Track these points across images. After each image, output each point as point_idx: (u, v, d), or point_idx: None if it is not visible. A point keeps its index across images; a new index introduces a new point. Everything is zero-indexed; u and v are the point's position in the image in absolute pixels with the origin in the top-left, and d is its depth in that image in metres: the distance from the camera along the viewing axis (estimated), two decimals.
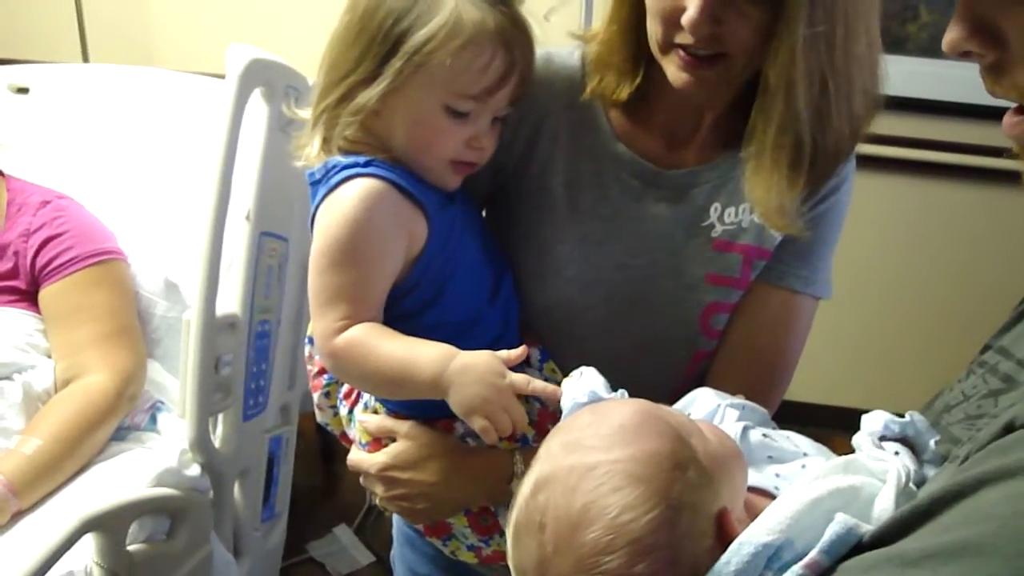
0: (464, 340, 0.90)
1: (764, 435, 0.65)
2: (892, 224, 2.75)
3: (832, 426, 2.62)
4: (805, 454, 0.64)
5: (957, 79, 2.46)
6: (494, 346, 0.87)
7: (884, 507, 0.53)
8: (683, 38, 0.83)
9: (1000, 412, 0.61)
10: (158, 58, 2.74)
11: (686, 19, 0.81)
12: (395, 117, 0.89)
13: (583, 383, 0.77)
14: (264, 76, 1.47)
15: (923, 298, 2.85)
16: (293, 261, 1.66)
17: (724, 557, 0.50)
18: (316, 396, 1.06)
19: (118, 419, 1.58)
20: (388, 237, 0.87)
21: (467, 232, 0.94)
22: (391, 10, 0.85)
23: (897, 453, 0.63)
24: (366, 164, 0.88)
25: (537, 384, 0.84)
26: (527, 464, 0.91)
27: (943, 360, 2.07)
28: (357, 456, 1.01)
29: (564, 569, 0.51)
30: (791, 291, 0.99)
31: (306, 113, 0.94)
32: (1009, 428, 0.46)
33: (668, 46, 0.86)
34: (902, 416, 0.67)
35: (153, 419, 1.70)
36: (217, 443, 1.53)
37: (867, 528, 0.50)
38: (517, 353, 0.86)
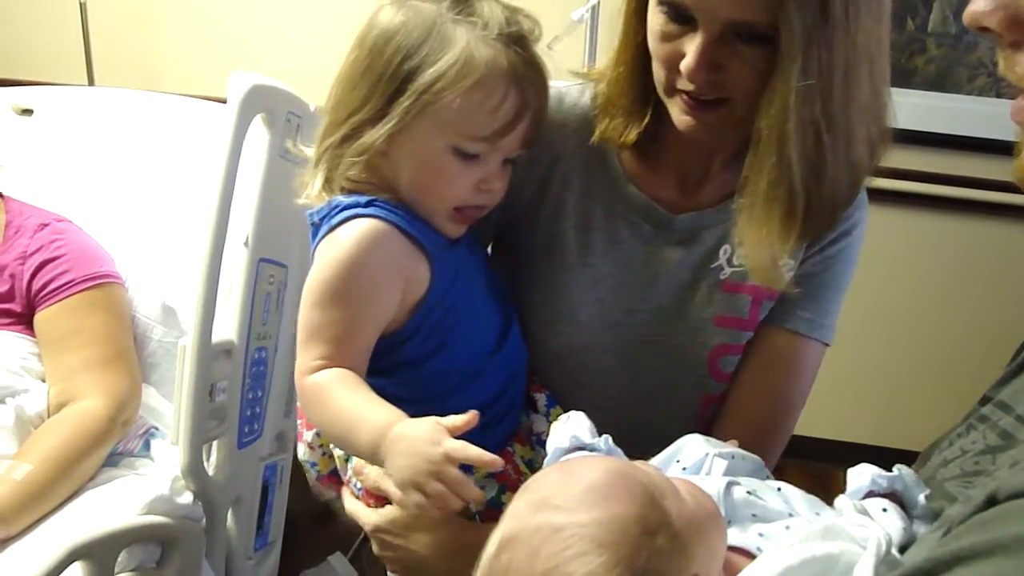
0: (467, 391, 0.88)
1: (749, 492, 0.63)
2: (898, 258, 2.74)
3: (837, 462, 2.59)
4: (790, 514, 0.62)
5: (964, 113, 2.46)
6: (499, 397, 0.85)
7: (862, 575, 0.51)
8: (684, 84, 0.82)
9: (997, 471, 0.59)
10: (163, 82, 2.74)
11: (684, 67, 0.79)
12: (401, 158, 0.86)
13: (567, 428, 0.75)
14: (265, 102, 1.47)
15: (932, 334, 2.82)
16: (292, 288, 1.65)
17: None
18: (308, 434, 1.04)
19: (111, 445, 1.56)
20: (382, 281, 0.84)
21: (473, 276, 0.92)
22: (400, 47, 0.83)
23: (885, 510, 0.61)
24: (368, 204, 0.85)
25: (472, 452, 0.73)
26: None
27: (951, 397, 2.05)
28: (353, 507, 0.99)
29: None
30: (798, 334, 0.97)
31: (310, 150, 0.92)
32: (991, 501, 0.44)
33: (671, 90, 0.85)
34: (890, 471, 0.65)
35: (147, 445, 1.68)
36: (211, 471, 1.50)
37: None
38: (464, 420, 0.76)
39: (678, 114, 0.85)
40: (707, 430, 0.98)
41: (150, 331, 1.77)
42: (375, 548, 0.96)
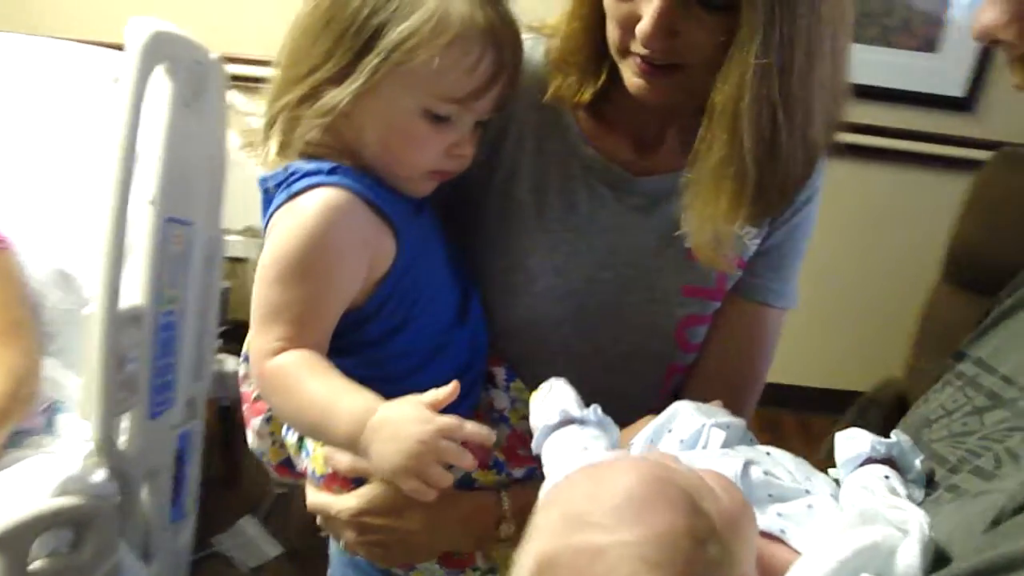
0: (431, 368, 0.83)
1: (765, 472, 0.61)
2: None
3: (779, 404, 2.67)
4: (807, 491, 0.60)
5: (857, 63, 2.51)
6: (460, 375, 0.81)
7: (909, 563, 0.50)
8: (637, 47, 0.78)
9: (989, 432, 0.59)
10: (40, 24, 2.53)
11: (639, 30, 0.75)
12: (367, 120, 0.80)
13: (552, 401, 0.72)
14: (168, 50, 1.36)
15: (837, 278, 2.90)
16: (198, 246, 1.57)
17: None
18: (256, 421, 0.97)
19: (12, 423, 1.45)
20: (347, 256, 0.78)
21: (434, 246, 0.87)
22: (366, 0, 0.76)
23: (887, 477, 0.61)
24: (331, 172, 0.79)
25: (468, 428, 0.70)
26: (515, 504, 0.87)
27: (871, 338, 2.14)
28: (322, 500, 0.91)
29: None
30: (765, 304, 0.96)
31: (255, 107, 0.84)
32: None
33: (625, 52, 0.80)
34: (887, 436, 0.65)
35: (51, 421, 1.57)
36: (123, 445, 1.42)
37: None
38: (447, 392, 0.72)
39: (630, 76, 0.81)
40: (672, 401, 0.97)
41: (43, 299, 1.65)
42: (351, 537, 0.89)
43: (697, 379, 0.97)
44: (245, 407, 1.01)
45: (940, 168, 2.50)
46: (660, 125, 0.90)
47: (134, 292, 1.41)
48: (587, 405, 0.74)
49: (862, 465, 0.63)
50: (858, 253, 2.80)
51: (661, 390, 0.97)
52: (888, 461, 0.63)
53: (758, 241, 0.93)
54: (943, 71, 2.73)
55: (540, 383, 0.79)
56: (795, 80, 0.75)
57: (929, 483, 0.63)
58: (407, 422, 0.70)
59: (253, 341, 0.80)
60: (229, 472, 2.53)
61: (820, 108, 0.79)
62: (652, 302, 0.92)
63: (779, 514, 0.55)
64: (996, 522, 0.47)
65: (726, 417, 0.71)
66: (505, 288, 0.91)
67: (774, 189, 0.81)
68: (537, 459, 0.73)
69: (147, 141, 1.37)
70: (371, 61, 0.76)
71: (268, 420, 0.96)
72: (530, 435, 0.82)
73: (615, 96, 0.86)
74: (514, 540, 0.89)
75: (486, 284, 0.91)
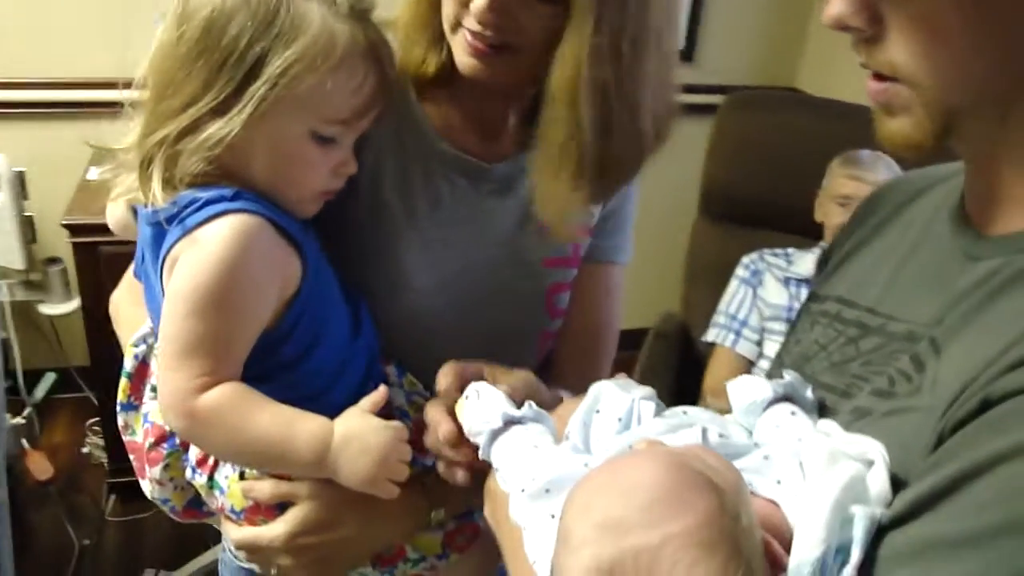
0: (341, 383, 0.84)
1: (720, 435, 0.64)
2: None
3: None
4: (756, 444, 0.65)
5: None
6: (363, 385, 0.82)
7: (879, 488, 0.55)
8: (470, 22, 0.81)
9: (869, 357, 0.67)
10: None
11: (474, 6, 0.79)
12: (254, 148, 0.77)
13: (486, 407, 0.74)
14: None
15: None
16: None
17: None
18: (156, 471, 0.91)
19: None
20: (263, 282, 0.77)
21: (323, 261, 0.86)
22: (244, 28, 0.73)
23: (794, 413, 0.67)
24: (234, 197, 0.76)
25: (430, 414, 0.81)
26: (438, 490, 0.89)
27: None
28: (248, 534, 0.88)
29: None
30: (612, 263, 1.05)
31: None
32: (986, 404, 0.51)
33: (456, 26, 0.83)
34: (780, 378, 0.70)
35: None
36: None
37: (880, 511, 0.53)
38: (381, 395, 0.81)
39: (460, 55, 0.83)
40: (546, 363, 1.04)
41: None
42: (287, 562, 0.87)
43: (564, 339, 1.04)
44: (135, 457, 0.94)
45: (680, 115, 2.73)
46: (501, 111, 0.95)
47: None
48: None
49: (768, 407, 0.68)
50: None
51: (537, 356, 1.03)
52: (785, 399, 0.69)
53: (599, 209, 1.00)
54: None
55: (430, 373, 0.84)
56: (624, 66, 0.82)
57: (822, 410, 0.70)
58: (369, 433, 0.77)
59: (169, 380, 0.76)
60: (21, 537, 2.30)
61: (647, 104, 0.85)
62: (521, 278, 0.98)
63: (742, 470, 0.59)
64: (940, 442, 0.54)
65: (640, 388, 0.74)
66: (386, 289, 0.93)
67: (611, 170, 0.88)
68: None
69: None
70: (257, 90, 0.74)
71: (167, 467, 0.91)
72: (423, 424, 0.87)
73: (454, 80, 0.89)
74: (443, 524, 0.93)
75: (367, 287, 0.92)
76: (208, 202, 0.76)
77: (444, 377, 0.83)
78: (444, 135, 0.93)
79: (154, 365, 0.92)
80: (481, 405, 0.76)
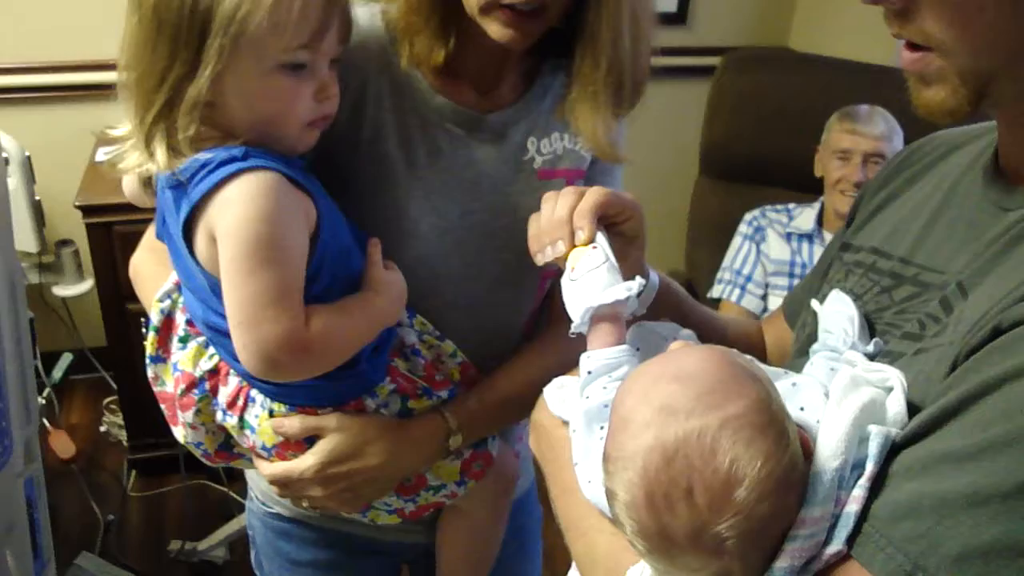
0: None
1: (749, 360, 0.67)
2: None
3: None
4: (785, 372, 0.68)
5: None
6: None
7: (897, 411, 0.60)
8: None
9: (903, 305, 0.71)
10: None
11: None
12: (233, 99, 0.82)
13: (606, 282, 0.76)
14: None
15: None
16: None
17: (811, 489, 0.56)
18: (187, 415, 0.96)
19: None
20: (297, 224, 0.83)
21: (332, 203, 0.91)
22: None
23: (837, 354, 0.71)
24: (244, 156, 0.81)
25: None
26: (457, 418, 0.97)
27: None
28: (280, 468, 0.95)
29: (722, 525, 0.54)
30: None
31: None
32: (997, 331, 0.55)
33: (490, 7, 0.87)
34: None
35: None
36: None
37: (895, 431, 0.58)
38: (373, 246, 0.93)
39: (499, 28, 0.88)
40: (544, 301, 1.10)
41: None
42: (319, 493, 0.94)
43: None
44: (167, 407, 0.99)
45: (674, 77, 2.75)
46: (498, 65, 1.00)
47: None
48: (476, 324, 0.97)
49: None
50: (628, 167, 3.04)
51: (537, 294, 1.08)
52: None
53: (591, 153, 1.06)
54: None
55: (437, 314, 0.98)
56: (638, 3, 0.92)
57: None
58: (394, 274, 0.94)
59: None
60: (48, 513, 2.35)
61: (648, 35, 0.95)
62: (517, 222, 1.02)
63: None
64: (954, 368, 0.58)
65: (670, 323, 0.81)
66: (392, 236, 0.98)
67: (637, 87, 0.96)
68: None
69: None
70: (215, 43, 0.79)
71: (198, 412, 0.96)
72: (440, 362, 0.99)
73: (463, 53, 0.95)
74: (460, 453, 1.01)
75: (373, 236, 0.97)
76: (222, 163, 0.81)
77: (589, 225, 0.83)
78: (441, 92, 0.99)
79: (179, 319, 0.97)
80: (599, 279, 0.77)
